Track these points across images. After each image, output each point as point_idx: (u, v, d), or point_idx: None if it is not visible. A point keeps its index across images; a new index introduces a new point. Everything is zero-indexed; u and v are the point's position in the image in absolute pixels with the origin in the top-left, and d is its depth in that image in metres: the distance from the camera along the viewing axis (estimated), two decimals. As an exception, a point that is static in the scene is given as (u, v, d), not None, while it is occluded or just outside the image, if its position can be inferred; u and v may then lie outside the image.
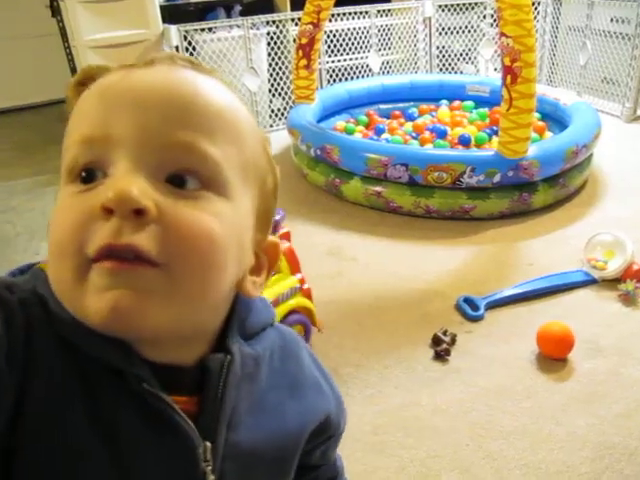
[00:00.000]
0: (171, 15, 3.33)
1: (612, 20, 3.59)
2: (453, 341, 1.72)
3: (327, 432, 0.60)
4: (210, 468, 0.45)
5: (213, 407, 0.46)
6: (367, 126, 3.25)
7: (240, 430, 0.48)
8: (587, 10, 3.69)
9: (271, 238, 0.51)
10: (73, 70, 3.33)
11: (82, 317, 0.40)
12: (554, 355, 1.65)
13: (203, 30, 3.29)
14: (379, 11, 3.76)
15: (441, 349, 1.67)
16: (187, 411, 0.45)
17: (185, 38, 3.23)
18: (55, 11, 3.20)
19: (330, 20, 3.36)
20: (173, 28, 3.17)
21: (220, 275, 0.43)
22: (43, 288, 0.43)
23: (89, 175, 0.42)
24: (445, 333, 1.72)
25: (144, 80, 0.43)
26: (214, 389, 0.46)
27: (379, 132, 3.05)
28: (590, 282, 1.98)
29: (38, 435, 0.40)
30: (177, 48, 3.21)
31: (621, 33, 3.54)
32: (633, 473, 1.29)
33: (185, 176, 0.42)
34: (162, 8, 3.23)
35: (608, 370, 1.60)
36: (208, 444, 0.45)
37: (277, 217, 1.33)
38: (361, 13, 3.71)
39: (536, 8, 3.86)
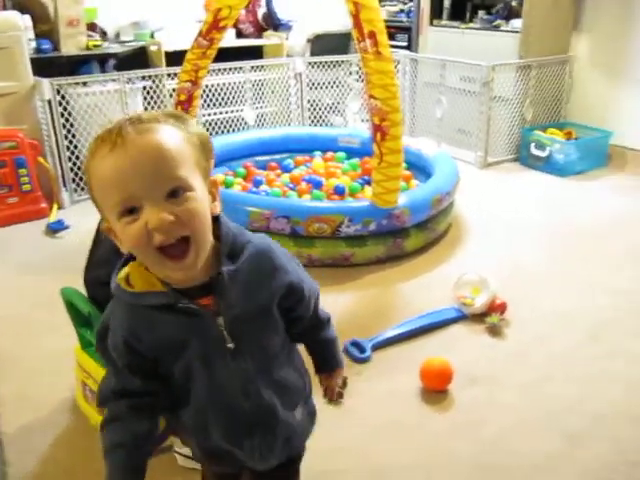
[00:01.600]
0: (42, 67, 3.25)
1: (461, 79, 4.02)
2: (344, 384, 1.81)
3: (295, 294, 0.94)
4: (222, 328, 0.87)
5: (218, 299, 0.86)
6: (245, 178, 3.33)
7: (235, 307, 0.87)
8: (440, 70, 4.09)
9: (211, 177, 0.85)
10: None
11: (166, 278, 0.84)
12: (436, 388, 1.81)
13: (77, 84, 3.26)
14: (253, 67, 3.93)
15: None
16: (209, 304, 0.86)
17: (58, 92, 3.18)
18: None
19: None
20: (45, 81, 3.10)
21: (207, 223, 0.82)
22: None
23: (131, 211, 0.77)
24: (335, 377, 1.82)
25: (132, 152, 0.75)
26: (217, 291, 0.85)
27: (257, 184, 3.15)
28: (461, 317, 2.19)
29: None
30: (50, 102, 3.14)
31: (469, 90, 3.96)
32: (511, 489, 1.46)
33: (177, 191, 0.78)
34: (33, 60, 3.16)
35: (483, 397, 1.78)
36: (220, 318, 0.87)
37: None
38: (236, 69, 3.85)
39: (396, 66, 4.21)
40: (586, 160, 3.77)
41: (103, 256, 1.37)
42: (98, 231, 1.41)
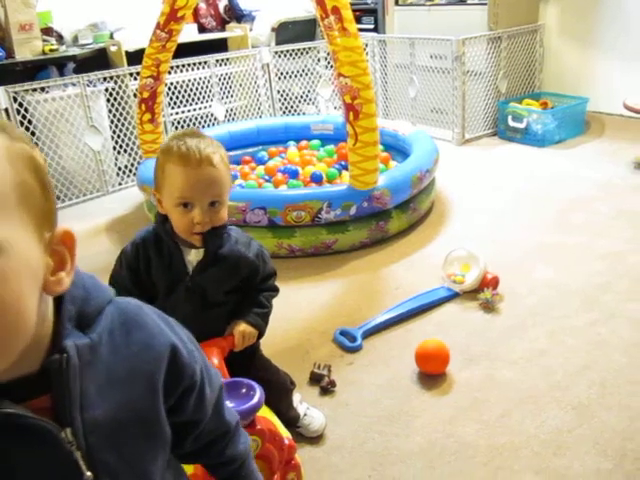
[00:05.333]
0: (-4, 76, 3.12)
1: (432, 57, 3.93)
2: (330, 370, 1.73)
3: (182, 379, 0.63)
4: (75, 447, 0.53)
5: (63, 398, 0.53)
6: (220, 173, 3.23)
7: (94, 409, 0.54)
8: (409, 49, 4.00)
9: (60, 228, 0.52)
10: None
11: None
12: (433, 371, 1.72)
13: (35, 90, 3.13)
14: (218, 61, 3.81)
15: (325, 383, 1.68)
16: (45, 408, 0.52)
17: (15, 100, 3.04)
18: None
19: (170, 72, 3.34)
20: (0, 90, 2.97)
21: (20, 326, 0.48)
22: None
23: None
24: (320, 367, 1.73)
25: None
26: (59, 384, 0.52)
27: (232, 178, 3.05)
28: (453, 296, 2.10)
29: None
30: (7, 111, 3.01)
31: (441, 67, 3.88)
32: (522, 468, 1.37)
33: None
34: (-15, 70, 3.03)
35: (483, 376, 1.70)
36: (67, 429, 0.53)
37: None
38: (200, 64, 3.73)
39: (365, 49, 4.12)
40: (564, 128, 3.71)
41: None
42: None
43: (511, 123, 3.79)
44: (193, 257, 1.21)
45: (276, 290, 1.33)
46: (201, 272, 1.19)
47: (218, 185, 1.13)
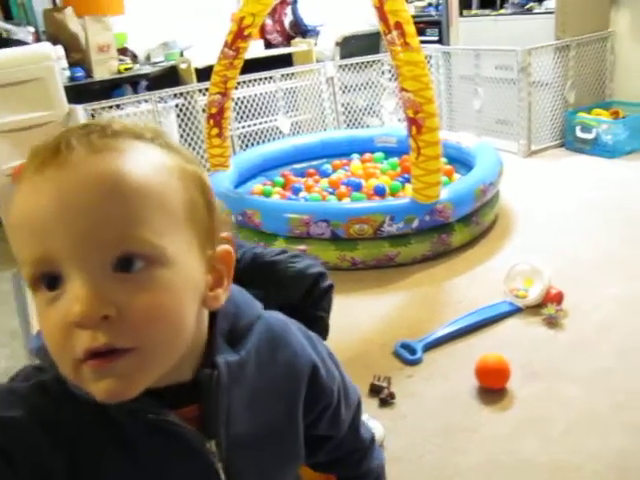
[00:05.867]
0: (77, 95, 3.31)
1: (497, 68, 3.89)
2: (389, 382, 1.74)
3: (321, 400, 0.65)
4: (217, 458, 0.55)
5: (211, 412, 0.55)
6: (284, 187, 3.31)
7: (237, 425, 0.57)
8: (474, 60, 3.98)
9: (221, 247, 0.54)
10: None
11: (90, 395, 0.49)
12: (493, 386, 1.71)
13: (110, 107, 3.30)
14: (283, 75, 3.90)
15: (384, 395, 1.70)
16: (193, 417, 0.55)
17: (93, 117, 3.22)
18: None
19: (237, 87, 3.45)
20: (79, 107, 3.15)
21: (181, 333, 0.50)
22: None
23: (50, 283, 0.46)
24: (379, 379, 1.75)
25: (59, 189, 0.45)
26: (208, 398, 0.55)
27: (296, 191, 3.12)
28: (515, 311, 2.08)
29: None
30: (86, 128, 3.18)
31: (506, 79, 3.83)
32: (584, 489, 1.35)
33: (131, 259, 0.46)
34: (67, 88, 3.21)
35: (545, 392, 1.67)
36: (212, 441, 0.55)
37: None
38: (266, 79, 3.83)
39: (429, 61, 4.13)
40: (636, 139, 3.58)
41: None
42: None
43: (579, 134, 3.70)
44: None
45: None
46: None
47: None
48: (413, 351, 1.90)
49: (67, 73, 3.43)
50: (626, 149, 3.57)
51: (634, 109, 3.76)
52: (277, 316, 0.64)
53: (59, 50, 3.36)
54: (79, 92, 3.37)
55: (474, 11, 4.38)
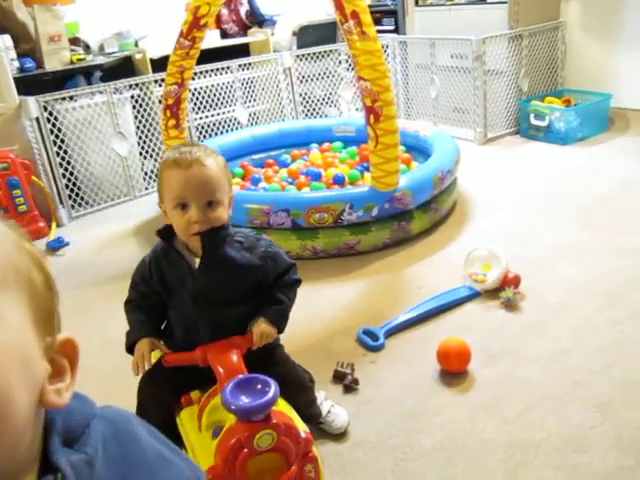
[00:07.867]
0: (27, 86, 3.21)
1: (452, 56, 3.94)
2: (353, 369, 1.76)
3: None
4: None
5: None
6: (243, 177, 3.29)
7: None
8: (430, 49, 4.02)
9: (63, 335, 0.49)
10: None
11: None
12: (455, 369, 1.74)
13: (64, 99, 3.21)
14: (240, 65, 3.87)
15: (348, 381, 1.71)
16: None
17: (45, 109, 3.13)
18: None
19: (193, 78, 3.40)
20: (31, 99, 3.06)
21: (5, 421, 0.42)
22: None
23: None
24: (343, 365, 1.76)
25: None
26: None
27: (256, 182, 3.10)
28: (474, 295, 2.12)
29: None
30: (38, 120, 3.10)
31: (462, 67, 3.89)
32: (542, 464, 1.39)
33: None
34: (16, 80, 3.11)
35: (504, 374, 1.71)
36: None
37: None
38: (223, 69, 3.79)
39: (385, 50, 4.15)
40: (587, 126, 3.69)
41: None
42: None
43: (533, 121, 3.78)
44: (197, 264, 1.26)
45: (297, 282, 1.35)
46: (202, 277, 1.23)
47: (211, 184, 1.18)
48: (375, 337, 1.92)
49: (16, 64, 3.32)
50: (578, 136, 3.66)
51: (585, 97, 3.87)
52: (116, 410, 0.57)
53: (7, 40, 3.24)
54: (30, 84, 3.26)
55: (430, 1, 4.41)
